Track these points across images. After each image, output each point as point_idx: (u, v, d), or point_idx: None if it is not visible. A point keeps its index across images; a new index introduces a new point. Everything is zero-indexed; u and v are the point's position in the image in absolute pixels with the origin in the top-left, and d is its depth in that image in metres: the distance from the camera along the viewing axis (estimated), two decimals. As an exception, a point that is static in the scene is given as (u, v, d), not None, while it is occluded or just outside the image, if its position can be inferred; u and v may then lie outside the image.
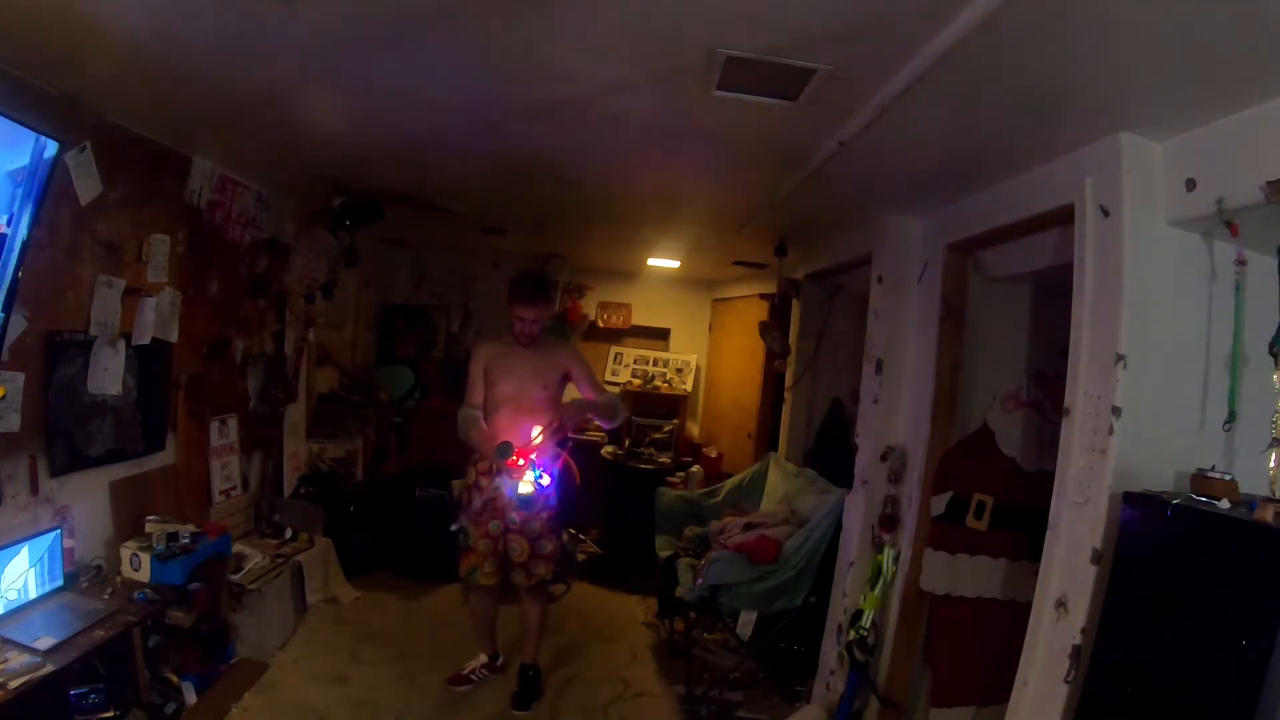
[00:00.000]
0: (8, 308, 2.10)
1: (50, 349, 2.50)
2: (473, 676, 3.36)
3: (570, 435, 3.22)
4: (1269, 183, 1.51)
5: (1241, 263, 1.69)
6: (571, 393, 3.25)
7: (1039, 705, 1.90)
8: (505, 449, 2.91)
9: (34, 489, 2.49)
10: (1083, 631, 1.80)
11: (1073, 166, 2.01)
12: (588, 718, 3.21)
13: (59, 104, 2.29)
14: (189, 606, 2.82)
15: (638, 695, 3.42)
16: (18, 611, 2.33)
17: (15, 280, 2.09)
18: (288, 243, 4.17)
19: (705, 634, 3.89)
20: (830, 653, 3.15)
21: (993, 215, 2.49)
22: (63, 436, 2.59)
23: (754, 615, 3.30)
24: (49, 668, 2.08)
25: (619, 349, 6.32)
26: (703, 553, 3.64)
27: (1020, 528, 2.58)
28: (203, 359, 3.46)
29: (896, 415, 3.05)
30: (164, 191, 3.04)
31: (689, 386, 6.18)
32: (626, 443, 5.46)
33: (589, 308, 6.32)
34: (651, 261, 5.61)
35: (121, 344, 2.83)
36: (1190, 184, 1.74)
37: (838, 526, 3.26)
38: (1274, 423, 1.53)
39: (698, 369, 6.28)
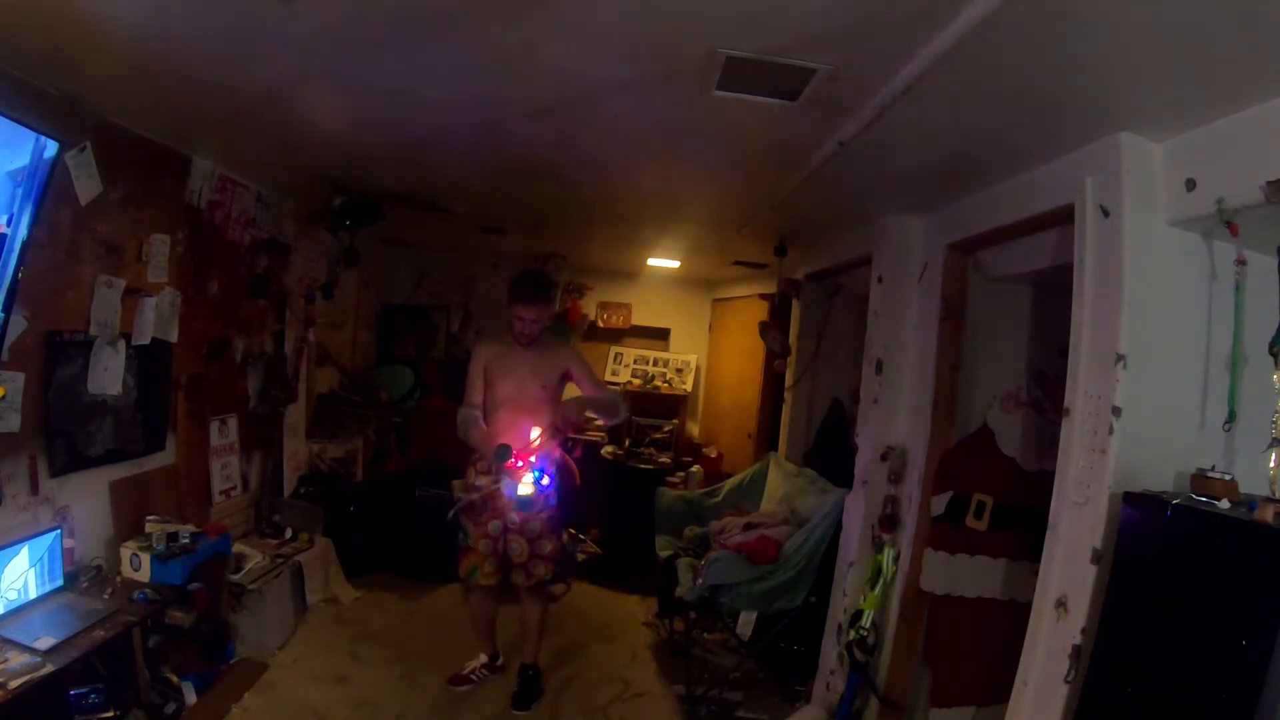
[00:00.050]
0: (8, 308, 2.10)
1: (50, 349, 2.50)
2: (473, 676, 3.36)
3: (571, 435, 3.22)
4: (1269, 183, 1.51)
5: (1241, 263, 1.69)
6: (572, 392, 3.25)
7: (1039, 705, 1.90)
8: (504, 451, 2.91)
9: (34, 489, 2.49)
10: (1083, 631, 1.80)
11: (1073, 166, 2.01)
12: (588, 718, 3.21)
13: (59, 104, 2.29)
14: (189, 606, 2.82)
15: (638, 695, 3.42)
16: (18, 611, 2.33)
17: (15, 280, 2.09)
18: (288, 243, 4.17)
19: (705, 634, 3.89)
20: (830, 653, 3.15)
21: (993, 215, 2.49)
22: (63, 436, 2.59)
23: (754, 615, 3.30)
24: (49, 668, 2.08)
25: (619, 349, 6.32)
26: (703, 553, 3.64)
27: (1020, 528, 2.58)
28: (203, 359, 3.46)
29: (896, 415, 3.05)
30: (164, 191, 3.04)
31: (689, 386, 6.18)
32: (626, 443, 5.46)
33: (589, 308, 6.32)
34: (651, 261, 5.61)
35: (121, 344, 2.83)
36: (1190, 184, 1.74)
37: (838, 526, 3.26)
38: (1274, 423, 1.54)
39: (698, 369, 6.28)
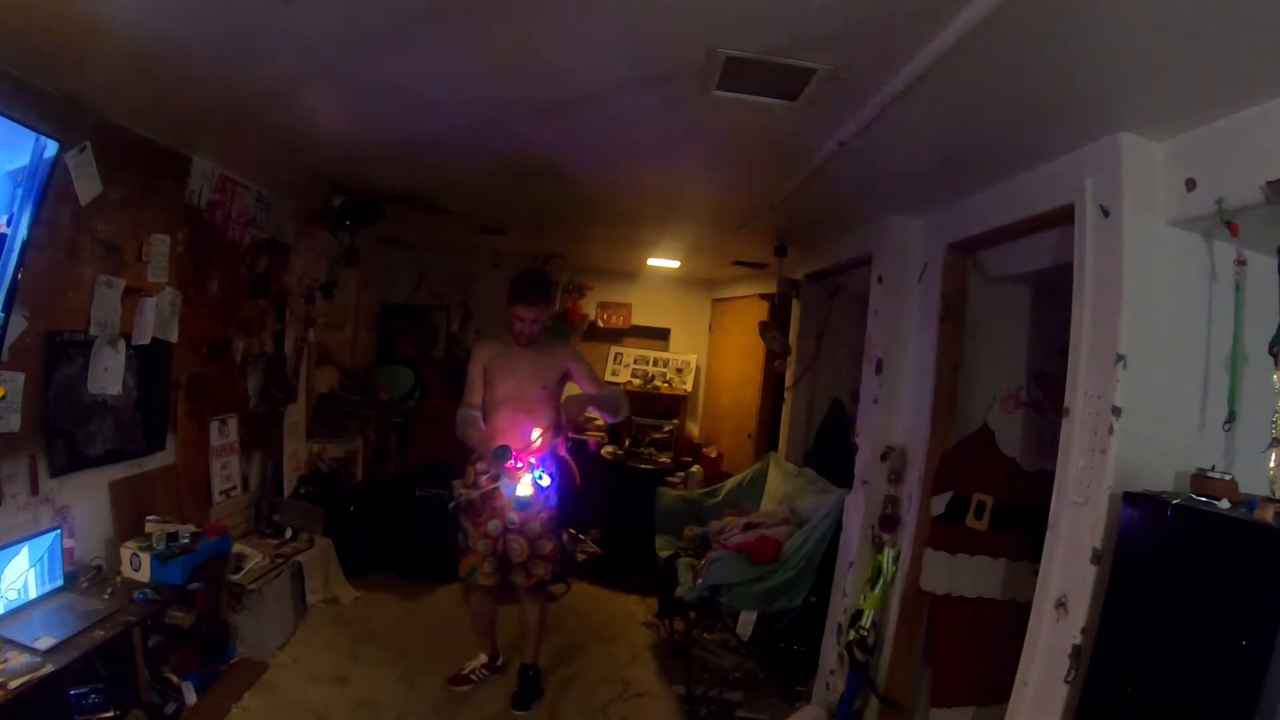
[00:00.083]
0: (8, 308, 2.10)
1: (50, 349, 2.50)
2: (473, 676, 3.36)
3: (571, 435, 3.22)
4: (1269, 183, 1.51)
5: (1241, 263, 1.69)
6: (572, 391, 3.25)
7: (1039, 705, 1.90)
8: (503, 453, 2.91)
9: (34, 489, 2.49)
10: (1083, 631, 1.80)
11: (1073, 166, 2.01)
12: (588, 718, 3.21)
13: (59, 104, 2.29)
14: (189, 606, 2.82)
15: (638, 695, 3.42)
16: (18, 611, 2.33)
17: (15, 280, 2.09)
18: (288, 243, 4.17)
19: (705, 634, 3.89)
20: (830, 653, 3.15)
21: (993, 215, 2.49)
22: (63, 436, 2.59)
23: (754, 615, 3.30)
24: (49, 668, 2.08)
25: (619, 349, 6.32)
26: (703, 553, 3.64)
27: (1020, 528, 2.58)
28: (203, 359, 3.46)
29: (896, 415, 3.05)
30: (164, 191, 3.04)
31: (689, 386, 6.18)
32: (626, 443, 5.46)
33: (589, 308, 6.32)
34: (651, 261, 5.61)
35: (121, 344, 2.83)
36: (1190, 184, 1.74)
37: (838, 526, 3.26)
38: (1274, 423, 1.54)
39: (698, 369, 6.28)
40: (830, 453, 4.20)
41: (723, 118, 2.12)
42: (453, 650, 3.55)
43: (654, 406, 5.82)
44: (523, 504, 3.04)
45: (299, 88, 2.23)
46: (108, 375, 2.76)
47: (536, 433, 3.03)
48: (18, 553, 2.35)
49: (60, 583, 2.53)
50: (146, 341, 2.96)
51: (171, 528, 2.89)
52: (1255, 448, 1.61)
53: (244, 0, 1.65)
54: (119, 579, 2.72)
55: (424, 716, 3.07)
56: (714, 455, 5.58)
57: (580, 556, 4.98)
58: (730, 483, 4.47)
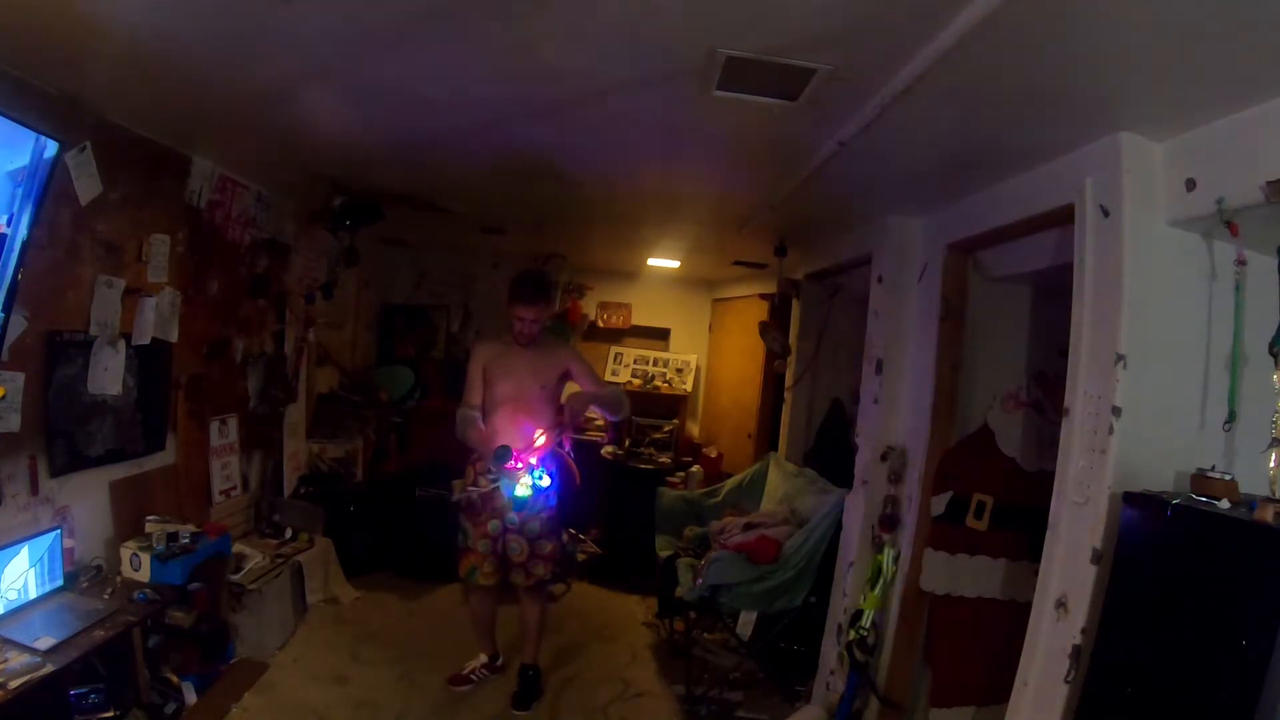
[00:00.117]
0: (8, 308, 2.10)
1: (50, 349, 2.50)
2: (473, 676, 3.36)
3: (571, 435, 3.22)
4: (1269, 183, 1.51)
5: (1241, 263, 1.69)
6: (572, 390, 3.24)
7: (1039, 705, 1.90)
8: (503, 453, 2.91)
9: (34, 489, 2.49)
10: (1083, 631, 1.80)
11: (1073, 166, 2.01)
12: (588, 718, 3.21)
13: (59, 104, 2.29)
14: (189, 606, 2.82)
15: (638, 695, 3.42)
16: (18, 611, 2.33)
17: (15, 280, 2.09)
18: (288, 243, 4.17)
19: (705, 634, 3.89)
20: (830, 653, 3.15)
21: (993, 215, 2.49)
22: (63, 436, 2.59)
23: (754, 615, 3.30)
24: (49, 668, 2.08)
25: (619, 349, 6.32)
26: (703, 553, 3.64)
27: (1020, 528, 2.58)
28: (203, 359, 3.46)
29: (896, 415, 3.06)
30: (164, 191, 3.04)
31: (689, 386, 6.18)
32: (626, 443, 5.46)
33: (589, 308, 6.32)
34: (651, 261, 5.61)
35: (121, 344, 2.83)
36: (1190, 184, 1.74)
37: (838, 526, 3.26)
38: (1274, 423, 1.54)
39: (698, 369, 6.28)
40: (830, 453, 4.20)
41: (723, 118, 2.12)
42: (453, 650, 3.55)
43: (654, 406, 5.81)
44: (522, 504, 3.04)
45: (299, 88, 2.23)
46: (108, 375, 2.76)
47: (538, 433, 3.03)
48: (18, 553, 2.35)
49: (60, 583, 2.53)
50: (146, 341, 2.96)
51: (171, 528, 2.89)
52: (1255, 448, 1.61)
53: (244, 0, 1.65)
54: (119, 579, 2.72)
55: (424, 716, 3.07)
56: (714, 455, 5.58)
57: (580, 556, 4.98)
58: (730, 483, 4.47)
